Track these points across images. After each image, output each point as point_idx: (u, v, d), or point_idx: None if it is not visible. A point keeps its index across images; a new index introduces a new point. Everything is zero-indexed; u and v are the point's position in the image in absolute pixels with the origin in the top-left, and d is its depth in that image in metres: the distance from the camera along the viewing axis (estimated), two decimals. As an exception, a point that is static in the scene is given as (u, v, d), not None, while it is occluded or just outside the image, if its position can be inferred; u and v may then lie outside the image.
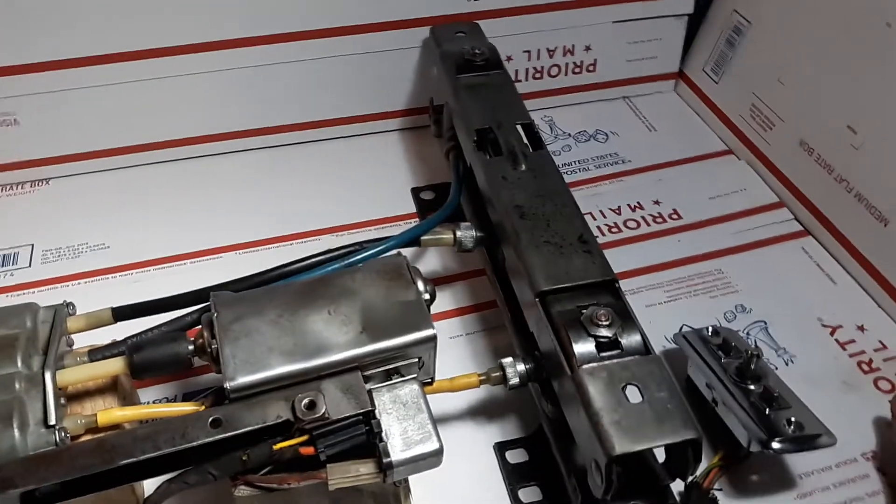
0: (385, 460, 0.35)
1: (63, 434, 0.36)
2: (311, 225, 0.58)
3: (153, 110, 0.61)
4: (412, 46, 0.63)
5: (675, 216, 0.60)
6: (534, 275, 0.42)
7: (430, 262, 0.56)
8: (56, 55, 0.57)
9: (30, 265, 0.55)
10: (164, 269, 0.55)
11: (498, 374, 0.42)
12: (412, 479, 0.42)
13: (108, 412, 0.38)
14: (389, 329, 0.38)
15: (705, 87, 0.69)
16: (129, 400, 0.43)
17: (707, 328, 0.48)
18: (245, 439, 0.36)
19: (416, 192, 0.62)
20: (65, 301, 0.43)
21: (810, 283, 0.54)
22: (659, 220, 0.60)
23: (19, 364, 0.37)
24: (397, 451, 0.35)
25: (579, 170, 0.65)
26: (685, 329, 0.50)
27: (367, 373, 0.38)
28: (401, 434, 0.36)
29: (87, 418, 0.38)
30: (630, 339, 0.39)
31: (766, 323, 0.51)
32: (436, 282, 0.53)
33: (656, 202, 0.61)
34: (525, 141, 0.50)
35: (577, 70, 0.69)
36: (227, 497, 0.36)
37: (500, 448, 0.45)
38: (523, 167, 0.49)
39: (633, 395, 0.36)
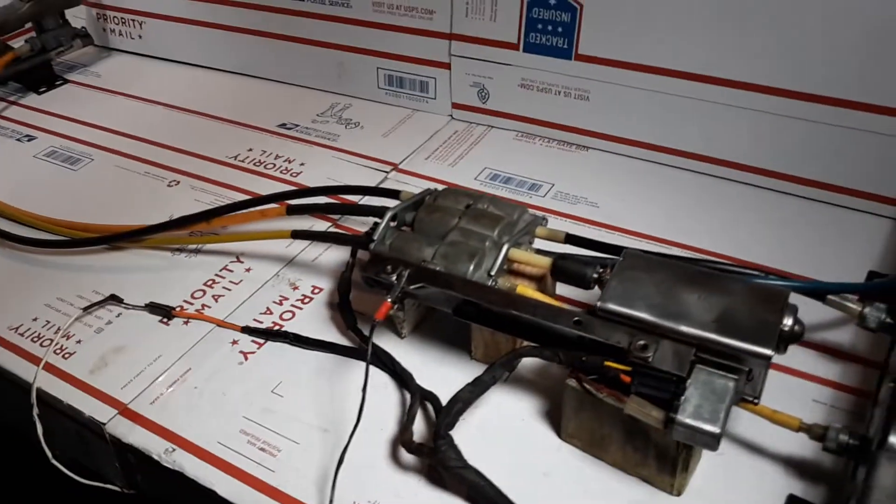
0: (672, 415, 0.42)
1: (494, 283, 0.53)
2: (753, 257, 0.64)
3: (687, 123, 0.74)
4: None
5: None
6: (905, 364, 0.42)
7: (843, 335, 0.57)
8: (639, 59, 0.74)
9: (544, 196, 0.75)
10: (621, 235, 0.68)
11: (820, 431, 0.44)
12: (700, 471, 0.48)
13: (524, 289, 0.53)
14: (735, 331, 0.44)
15: None
16: (546, 292, 0.58)
17: None
18: (590, 346, 0.47)
19: (872, 274, 0.61)
20: (543, 215, 0.60)
21: None
22: None
23: (495, 233, 0.55)
24: (685, 414, 0.42)
25: None
26: None
27: (703, 355, 0.45)
28: (695, 406, 0.43)
29: (512, 284, 0.54)
30: (961, 461, 0.37)
31: None
32: (835, 354, 0.55)
33: None
34: None
35: None
36: (561, 383, 0.49)
37: (791, 500, 0.46)
38: (973, 280, 0.47)
39: (925, 501, 0.36)
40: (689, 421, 0.42)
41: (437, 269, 0.53)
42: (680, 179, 0.76)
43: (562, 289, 0.57)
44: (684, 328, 0.45)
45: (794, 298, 0.48)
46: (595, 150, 0.81)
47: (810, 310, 0.53)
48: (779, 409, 0.46)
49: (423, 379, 0.54)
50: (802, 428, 0.45)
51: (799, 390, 0.53)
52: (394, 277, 0.51)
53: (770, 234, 0.68)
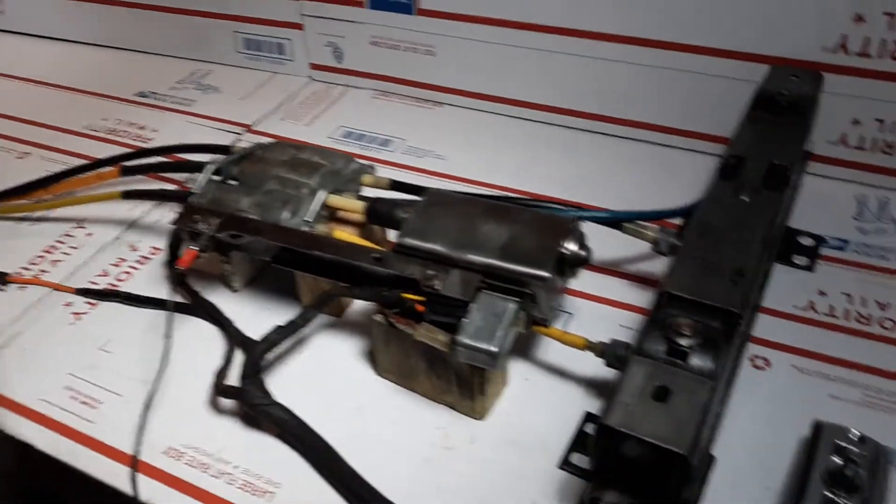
0: (454, 337, 0.44)
1: (311, 229, 0.54)
2: (574, 196, 0.66)
3: (536, 75, 0.76)
4: (750, 80, 0.65)
5: (945, 338, 0.51)
6: (667, 276, 0.45)
7: (651, 264, 0.60)
8: (482, 12, 0.75)
9: (394, 151, 0.76)
10: (463, 184, 0.70)
11: (601, 347, 0.47)
12: (506, 396, 0.50)
13: (340, 233, 0.55)
14: (517, 257, 0.46)
15: None
16: (374, 241, 0.59)
17: (855, 432, 0.43)
18: (389, 280, 0.49)
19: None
20: (370, 164, 0.61)
21: None
22: (923, 333, 0.52)
23: (313, 180, 0.56)
24: (464, 335, 0.44)
25: (876, 256, 0.59)
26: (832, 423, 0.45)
27: (490, 282, 0.47)
28: (476, 328, 0.45)
29: (330, 230, 0.55)
30: (700, 360, 0.40)
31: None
32: (642, 281, 0.58)
33: (937, 317, 0.53)
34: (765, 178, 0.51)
35: (940, 159, 0.61)
36: (368, 320, 0.50)
37: (588, 417, 0.49)
38: (744, 198, 0.50)
39: (662, 396, 0.38)
40: (467, 341, 0.44)
41: (251, 217, 0.54)
42: (528, 130, 0.77)
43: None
44: (471, 257, 0.47)
45: (596, 230, 0.51)
46: (448, 106, 0.82)
47: (618, 241, 0.56)
48: (590, 336, 0.48)
49: (255, 330, 0.55)
50: (587, 346, 0.47)
51: (608, 317, 0.56)
52: (202, 226, 0.52)
53: (602, 176, 0.70)
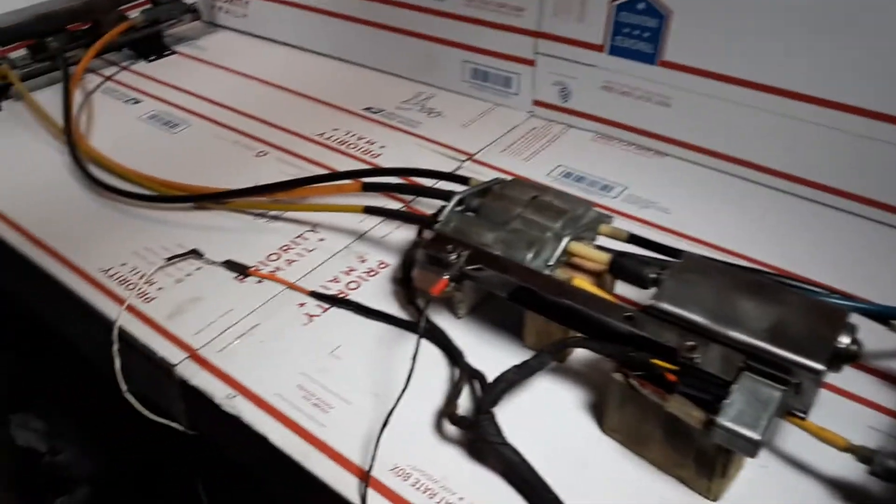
0: (713, 417, 0.43)
1: (551, 273, 0.54)
2: (822, 277, 0.62)
3: (769, 138, 0.73)
4: None
5: None
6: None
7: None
8: (724, 70, 0.73)
9: (616, 197, 0.75)
10: (688, 242, 0.68)
11: (868, 453, 0.43)
12: (740, 480, 0.48)
13: (581, 281, 0.54)
14: (787, 342, 0.44)
15: None
16: (604, 289, 0.58)
17: None
18: (639, 342, 0.48)
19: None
20: (608, 213, 0.61)
21: None
22: None
23: (557, 225, 0.56)
24: (726, 418, 0.42)
25: None
26: None
27: (752, 364, 0.45)
28: (738, 411, 0.43)
29: (568, 277, 0.55)
30: None
31: None
32: (896, 381, 0.54)
33: None
34: None
35: None
36: (608, 377, 0.49)
37: (834, 522, 0.45)
38: None
39: None
40: (729, 424, 0.42)
41: (496, 253, 0.55)
42: (756, 194, 0.74)
43: (621, 289, 0.58)
44: (735, 334, 0.45)
45: (859, 322, 0.48)
46: (672, 158, 0.80)
47: (876, 336, 0.52)
48: (832, 431, 0.45)
49: (474, 359, 0.56)
50: (849, 448, 0.44)
51: (856, 415, 0.52)
52: (453, 257, 0.53)
53: (843, 257, 0.66)
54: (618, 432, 0.50)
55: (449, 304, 0.61)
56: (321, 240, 0.70)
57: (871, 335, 0.52)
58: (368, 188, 0.68)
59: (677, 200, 0.74)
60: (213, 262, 0.67)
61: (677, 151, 0.80)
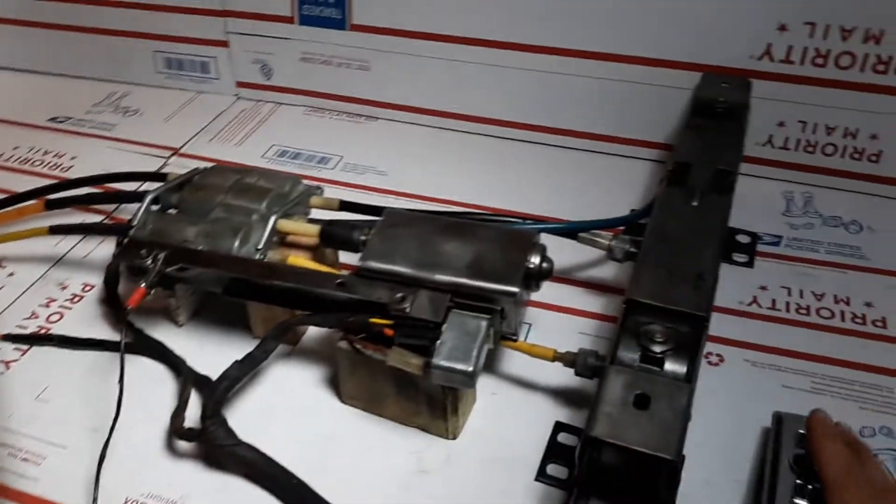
0: (429, 360, 0.44)
1: (263, 258, 0.52)
2: (524, 207, 0.67)
3: (472, 88, 0.76)
4: (684, 88, 0.67)
5: (879, 323, 0.55)
6: (634, 285, 0.45)
7: (604, 270, 0.61)
8: (415, 27, 0.75)
9: (333, 168, 0.75)
10: (408, 200, 0.69)
11: (571, 357, 0.47)
12: (475, 413, 0.50)
13: (295, 259, 0.53)
14: (484, 274, 0.46)
15: None
16: (326, 263, 0.57)
17: (813, 418, 0.45)
18: (355, 306, 0.48)
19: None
20: (318, 185, 0.60)
21: None
22: (858, 320, 0.55)
23: (262, 206, 0.54)
24: (440, 357, 0.44)
25: (807, 248, 0.62)
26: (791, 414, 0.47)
27: (459, 300, 0.46)
28: (450, 349, 0.44)
29: (283, 257, 0.53)
30: (675, 365, 0.41)
31: (903, 455, 0.46)
32: (596, 288, 0.59)
33: (868, 304, 0.56)
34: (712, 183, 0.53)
35: (856, 156, 0.65)
36: (333, 347, 0.49)
37: (558, 426, 0.49)
38: (695, 203, 0.51)
39: (643, 404, 0.39)
40: (443, 363, 0.44)
41: (199, 248, 0.51)
42: (466, 143, 0.78)
43: (348, 258, 0.57)
44: (439, 276, 0.47)
45: (552, 242, 0.52)
46: (383, 120, 0.81)
47: (574, 250, 0.57)
48: (550, 345, 0.48)
49: (204, 365, 0.52)
50: (557, 357, 0.47)
51: (567, 325, 0.57)
52: (148, 261, 0.49)
53: (549, 186, 0.71)
54: (356, 399, 0.50)
55: (167, 313, 0.57)
56: (10, 275, 0.62)
57: (568, 251, 0.57)
58: (53, 205, 0.60)
59: (392, 161, 0.75)
60: None
61: (386, 113, 0.81)
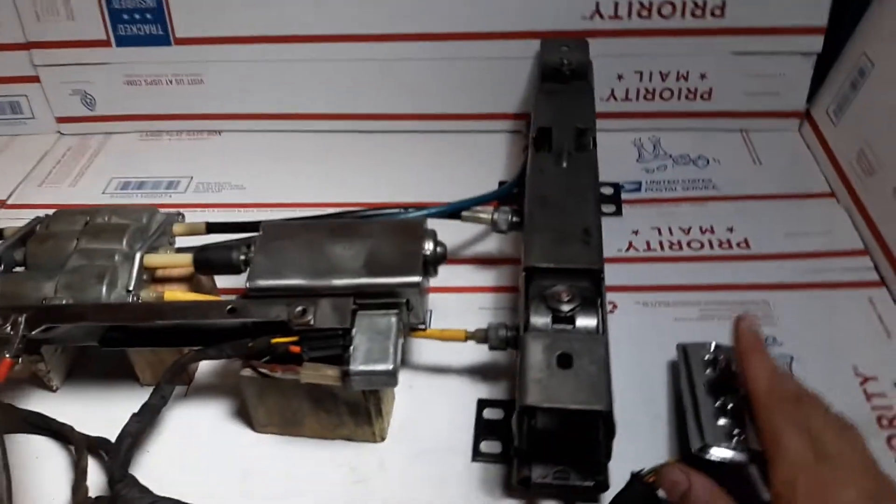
0: (345, 368, 0.42)
1: (137, 299, 0.48)
2: (398, 197, 0.66)
3: (312, 87, 0.74)
4: (527, 57, 0.69)
5: (743, 245, 0.60)
6: (529, 252, 0.46)
7: (489, 244, 0.62)
8: (244, 32, 0.71)
9: (185, 191, 0.70)
10: (274, 210, 0.67)
11: (482, 334, 0.47)
12: (397, 409, 0.49)
13: (172, 293, 0.49)
14: (384, 270, 0.45)
15: (825, 128, 0.67)
16: (204, 292, 0.54)
17: (710, 343, 0.48)
18: (253, 329, 0.45)
19: (501, 185, 0.68)
20: (178, 211, 0.56)
21: (861, 332, 0.52)
22: (725, 245, 0.60)
23: (123, 244, 0.50)
24: (357, 363, 0.42)
25: (665, 189, 0.66)
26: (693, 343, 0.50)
27: (363, 301, 0.45)
28: (365, 352, 0.43)
29: (158, 294, 0.49)
30: (586, 320, 0.42)
31: (792, 358, 0.50)
32: (486, 262, 0.60)
33: (730, 229, 0.61)
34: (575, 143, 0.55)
35: (690, 96, 0.70)
36: (236, 377, 0.46)
37: (481, 404, 0.49)
38: (564, 164, 0.53)
39: (566, 363, 0.40)
40: (362, 367, 0.42)
41: (63, 302, 0.46)
42: (324, 142, 0.75)
43: (225, 281, 0.54)
44: (337, 282, 0.45)
45: (438, 226, 0.51)
46: (228, 132, 0.77)
47: (457, 229, 0.57)
48: (454, 327, 0.48)
49: (95, 426, 0.47)
50: (469, 336, 0.47)
51: (465, 303, 0.57)
52: (7, 328, 0.44)
53: (417, 172, 0.71)
54: (270, 425, 0.48)
55: (38, 380, 0.51)
56: None
57: (451, 231, 0.57)
58: None
59: (247, 173, 0.72)
60: None
61: (229, 125, 0.77)
